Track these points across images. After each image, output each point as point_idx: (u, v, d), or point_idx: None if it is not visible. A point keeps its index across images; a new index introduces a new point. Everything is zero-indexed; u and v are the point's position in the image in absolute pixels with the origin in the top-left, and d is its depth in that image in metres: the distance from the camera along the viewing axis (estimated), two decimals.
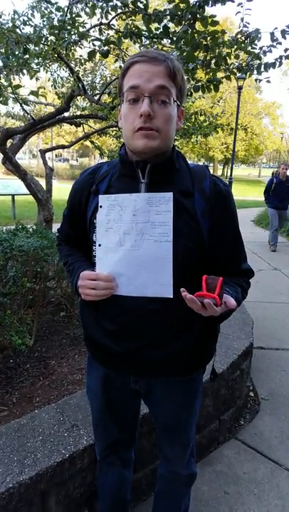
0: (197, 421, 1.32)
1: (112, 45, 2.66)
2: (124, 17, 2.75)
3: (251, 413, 2.52)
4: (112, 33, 2.99)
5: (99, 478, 1.43)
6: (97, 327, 1.15)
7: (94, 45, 2.73)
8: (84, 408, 1.69)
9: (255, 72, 2.91)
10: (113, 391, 1.22)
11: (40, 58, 2.93)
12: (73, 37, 2.70)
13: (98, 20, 2.87)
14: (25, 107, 3.76)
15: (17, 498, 1.28)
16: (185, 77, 1.05)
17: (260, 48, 2.84)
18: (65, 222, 1.28)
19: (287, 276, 5.82)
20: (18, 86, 2.47)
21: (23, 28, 2.73)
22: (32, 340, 2.48)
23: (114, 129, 5.13)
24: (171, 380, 1.17)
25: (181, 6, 2.37)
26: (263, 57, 2.85)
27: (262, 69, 2.85)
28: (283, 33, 2.59)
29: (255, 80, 3.18)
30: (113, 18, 2.80)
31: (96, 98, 3.65)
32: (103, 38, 2.80)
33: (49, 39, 2.74)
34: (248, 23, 2.80)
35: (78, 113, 4.96)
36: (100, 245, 1.04)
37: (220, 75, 2.87)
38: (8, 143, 4.22)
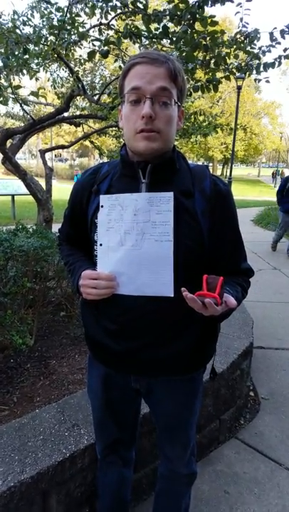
0: (197, 420, 1.32)
1: (111, 46, 2.66)
2: (123, 17, 2.75)
3: (251, 413, 2.52)
4: (111, 33, 2.99)
5: (99, 478, 1.44)
6: (97, 326, 1.15)
7: (94, 45, 2.74)
8: (84, 408, 1.70)
9: (254, 72, 2.92)
10: (114, 390, 1.23)
11: (39, 58, 2.94)
12: (73, 37, 2.70)
13: (98, 20, 2.87)
14: (24, 107, 3.76)
15: (18, 497, 1.29)
16: (185, 78, 1.05)
17: (260, 48, 2.84)
18: (66, 222, 1.29)
19: (287, 275, 5.82)
20: (18, 86, 2.47)
21: (23, 29, 2.74)
22: (32, 340, 2.48)
23: (114, 129, 5.13)
24: (172, 380, 1.17)
25: (181, 6, 2.37)
26: (262, 57, 2.86)
27: (261, 69, 2.85)
28: (282, 32, 2.59)
29: (255, 79, 3.18)
30: (113, 18, 2.80)
31: (95, 98, 3.65)
32: (103, 38, 2.80)
33: (49, 39, 2.74)
34: (247, 23, 2.80)
35: (78, 113, 4.96)
36: (101, 245, 1.05)
37: (219, 74, 2.87)
38: (8, 143, 4.22)
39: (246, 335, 2.61)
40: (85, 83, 4.02)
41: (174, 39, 2.56)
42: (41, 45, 2.79)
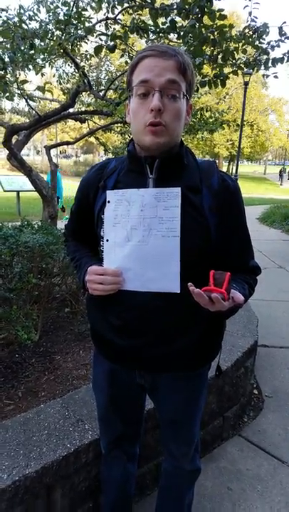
0: (201, 417, 1.32)
1: (118, 40, 2.65)
2: (130, 11, 2.73)
3: (255, 410, 2.52)
4: (118, 27, 2.97)
5: (103, 473, 1.44)
6: (103, 322, 1.15)
7: (101, 39, 2.72)
8: (89, 403, 1.70)
9: (262, 67, 2.89)
10: (119, 386, 1.23)
11: (45, 54, 2.92)
12: (79, 32, 2.69)
13: (104, 14, 2.86)
14: (30, 102, 3.76)
15: (23, 490, 1.30)
16: (194, 72, 1.04)
17: (268, 43, 2.82)
18: (72, 218, 1.28)
19: None
20: (25, 81, 2.46)
21: (29, 23, 2.72)
22: (37, 335, 2.49)
23: (119, 125, 5.12)
24: (177, 376, 1.17)
25: None
26: (271, 52, 2.83)
27: (270, 64, 2.82)
28: None
29: (263, 75, 3.15)
30: (119, 12, 2.78)
31: (101, 94, 3.64)
32: (109, 32, 2.79)
33: (55, 34, 2.73)
34: (256, 17, 2.77)
35: (83, 109, 4.95)
36: (107, 240, 1.05)
37: (227, 70, 2.85)
38: (14, 139, 4.22)
39: (251, 333, 2.61)
40: (90, 79, 4.01)
41: (182, 33, 2.53)
42: (47, 40, 2.78)
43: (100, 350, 1.23)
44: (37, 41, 2.72)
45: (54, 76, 4.37)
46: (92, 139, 6.20)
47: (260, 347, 3.00)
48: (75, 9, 2.66)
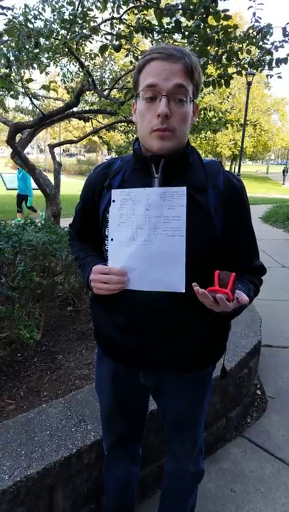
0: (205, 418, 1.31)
1: (123, 40, 2.64)
2: (135, 11, 2.72)
3: (258, 411, 2.51)
4: (123, 27, 2.96)
5: (106, 474, 1.44)
6: (107, 322, 1.14)
7: (106, 39, 2.71)
8: (91, 403, 1.69)
9: (266, 67, 2.87)
10: (122, 386, 1.22)
11: (50, 53, 2.92)
12: (84, 31, 2.68)
13: (110, 14, 2.85)
14: (34, 101, 3.76)
15: (24, 491, 1.29)
16: (201, 72, 1.04)
17: (272, 43, 2.80)
18: (77, 217, 1.28)
19: None
20: (30, 80, 2.46)
21: (34, 22, 2.72)
22: (40, 334, 2.49)
23: (123, 124, 5.11)
24: (181, 377, 1.16)
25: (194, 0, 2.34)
26: (275, 53, 2.82)
27: (273, 64, 2.81)
28: None
29: (267, 75, 3.13)
30: (125, 12, 2.77)
31: (105, 93, 3.63)
32: (114, 32, 2.78)
33: (60, 33, 2.72)
34: (260, 18, 2.76)
35: (87, 108, 4.94)
36: (112, 240, 1.04)
37: (231, 70, 2.83)
38: (17, 137, 4.22)
39: (254, 333, 2.59)
40: (94, 78, 4.01)
41: (187, 33, 2.52)
42: (52, 39, 2.78)
43: (103, 350, 1.23)
44: (42, 40, 2.72)
45: (58, 75, 4.37)
46: (95, 138, 6.20)
47: (263, 347, 2.98)
48: (80, 9, 2.66)
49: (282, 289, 4.95)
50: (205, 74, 2.80)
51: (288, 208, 11.96)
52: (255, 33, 2.76)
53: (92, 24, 2.67)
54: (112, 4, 2.71)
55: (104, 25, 3.06)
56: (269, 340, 3.38)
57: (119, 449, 1.35)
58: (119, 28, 2.89)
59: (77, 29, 2.58)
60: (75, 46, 2.88)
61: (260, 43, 2.77)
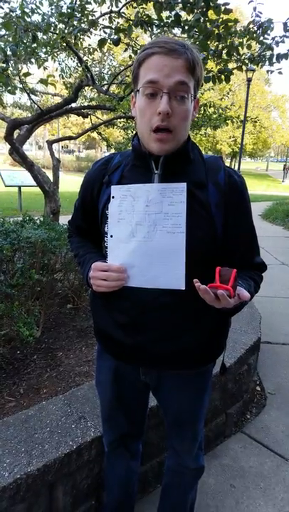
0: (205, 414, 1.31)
1: (122, 34, 2.61)
2: (134, 5, 2.70)
3: (258, 407, 2.51)
4: (122, 21, 2.94)
5: (107, 470, 1.44)
6: (107, 319, 1.14)
7: (105, 32, 2.68)
8: (91, 400, 1.69)
9: (266, 63, 2.86)
10: (123, 383, 1.22)
11: (48, 47, 2.89)
12: (82, 25, 2.65)
13: (108, 8, 2.82)
14: (32, 97, 3.73)
15: (25, 488, 1.29)
16: (202, 66, 1.02)
17: (273, 39, 2.78)
18: (76, 213, 1.27)
19: None
20: (28, 74, 2.43)
21: (32, 16, 2.69)
22: (39, 331, 2.48)
23: (122, 120, 5.08)
24: (181, 374, 1.16)
25: None
26: (275, 48, 2.80)
27: (274, 60, 2.79)
28: None
29: (267, 71, 3.11)
30: (124, 5, 2.75)
31: (104, 88, 3.61)
32: (113, 26, 2.75)
33: (58, 27, 2.69)
34: (261, 13, 2.74)
35: (86, 104, 4.91)
36: (111, 236, 1.03)
37: (231, 65, 2.81)
38: (15, 134, 4.20)
39: (254, 330, 2.59)
40: (93, 73, 3.98)
41: (187, 28, 2.50)
42: (50, 33, 2.75)
43: (104, 347, 1.22)
44: (40, 34, 2.69)
45: (56, 70, 4.34)
46: (94, 134, 6.16)
47: (263, 344, 2.99)
48: (78, 2, 2.63)
49: (282, 286, 4.95)
50: (205, 69, 2.78)
51: (288, 205, 11.95)
52: (255, 28, 2.74)
53: (90, 18, 2.64)
54: None
55: (103, 19, 3.03)
56: (268, 337, 3.39)
57: (119, 446, 1.35)
58: (117, 22, 2.87)
59: (75, 23, 2.55)
60: (73, 40, 2.85)
61: (261, 38, 2.75)
